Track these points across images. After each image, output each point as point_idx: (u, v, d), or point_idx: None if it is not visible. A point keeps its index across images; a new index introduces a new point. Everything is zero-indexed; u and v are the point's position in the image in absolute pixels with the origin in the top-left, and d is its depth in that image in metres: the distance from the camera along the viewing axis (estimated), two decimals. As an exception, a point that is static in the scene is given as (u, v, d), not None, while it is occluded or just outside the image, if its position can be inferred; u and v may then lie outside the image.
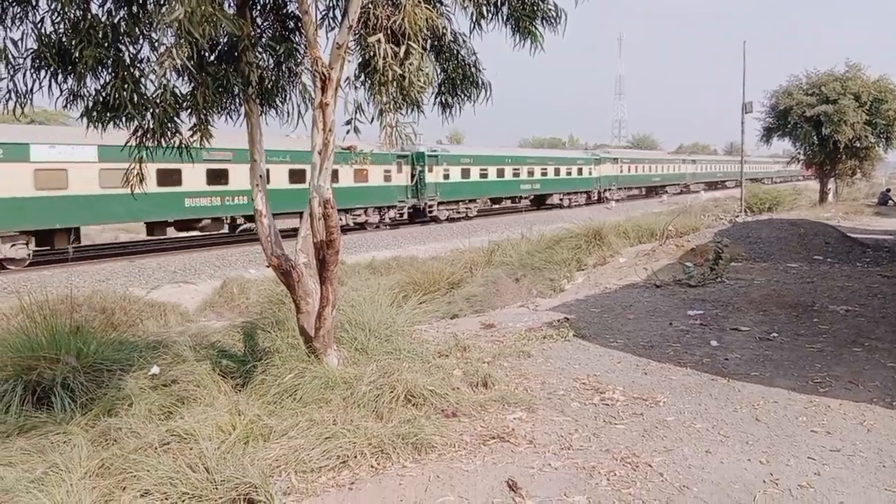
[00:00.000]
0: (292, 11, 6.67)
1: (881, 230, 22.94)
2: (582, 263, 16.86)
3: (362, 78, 6.13)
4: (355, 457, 4.97)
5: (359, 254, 23.93)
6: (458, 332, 8.82)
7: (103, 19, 5.72)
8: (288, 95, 6.92)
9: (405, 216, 35.48)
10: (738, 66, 30.69)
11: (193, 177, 23.96)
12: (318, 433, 5.14)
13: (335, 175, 24.91)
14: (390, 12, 5.68)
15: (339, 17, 6.15)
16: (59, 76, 5.96)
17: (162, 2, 5.16)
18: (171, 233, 25.56)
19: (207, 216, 25.52)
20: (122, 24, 5.78)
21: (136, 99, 5.78)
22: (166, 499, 4.33)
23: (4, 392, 6.01)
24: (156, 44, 5.84)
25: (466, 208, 39.06)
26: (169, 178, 23.19)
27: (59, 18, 5.76)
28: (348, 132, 5.98)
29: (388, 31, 5.54)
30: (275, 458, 4.85)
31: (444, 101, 7.23)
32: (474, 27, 6.97)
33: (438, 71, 6.97)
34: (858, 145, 34.15)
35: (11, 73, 5.73)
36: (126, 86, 5.71)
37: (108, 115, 6.01)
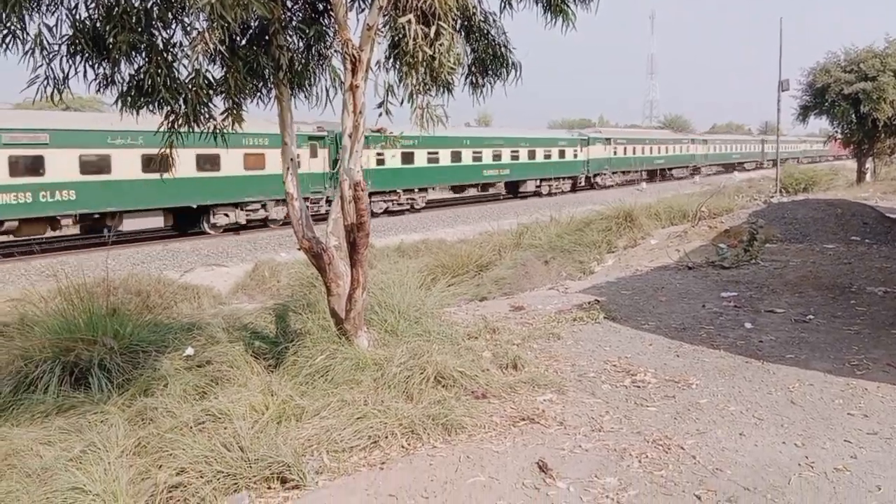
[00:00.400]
0: (322, -7, 6.66)
1: (922, 211, 22.34)
2: (612, 245, 16.75)
3: (392, 60, 6.10)
4: (386, 437, 5.02)
5: (387, 237, 24.02)
6: (487, 315, 8.82)
7: (136, 4, 5.75)
8: (317, 78, 6.93)
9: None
10: (773, 45, 30.00)
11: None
12: (350, 413, 5.19)
13: (213, 162, 23.64)
14: (421, -8, 5.63)
15: (370, -1, 6.13)
16: (94, 62, 6.03)
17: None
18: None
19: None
20: (155, 8, 5.82)
21: (169, 83, 5.83)
22: (201, 477, 4.41)
23: (43, 373, 6.17)
24: (188, 28, 5.87)
25: (411, 199, 33.72)
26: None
27: (93, 4, 5.81)
28: (380, 115, 5.97)
29: (419, 12, 5.50)
30: (307, 438, 4.92)
31: (473, 81, 7.18)
32: (505, 6, 6.90)
33: (468, 51, 6.91)
34: (898, 123, 33.23)
35: (48, 59, 5.81)
36: (160, 70, 5.76)
37: (143, 100, 6.07)
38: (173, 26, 6.06)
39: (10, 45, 5.62)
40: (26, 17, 5.55)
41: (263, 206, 26.25)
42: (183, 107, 6.14)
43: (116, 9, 5.64)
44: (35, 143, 19.90)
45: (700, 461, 4.71)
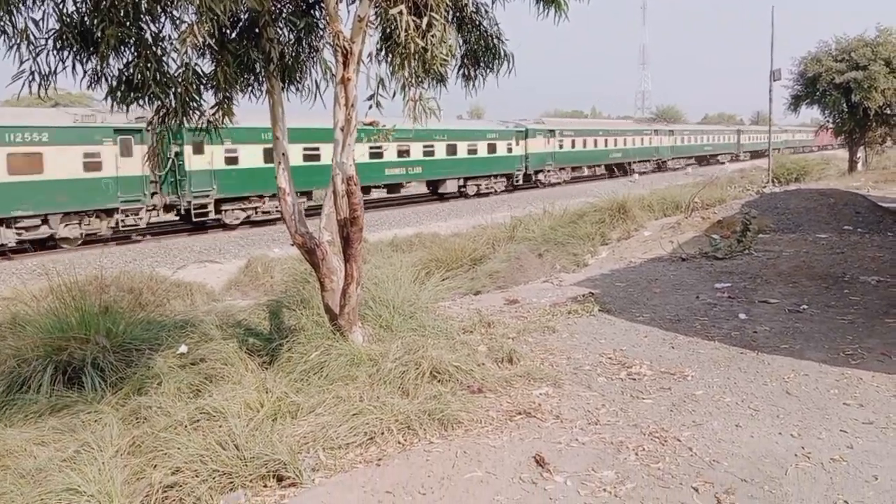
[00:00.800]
0: (313, -15, 6.59)
1: (913, 199, 22.43)
2: (606, 237, 16.76)
3: (384, 52, 6.05)
4: (382, 433, 5.00)
5: (381, 231, 23.95)
6: (482, 308, 8.80)
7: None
8: (309, 72, 6.87)
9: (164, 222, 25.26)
10: (767, 35, 30.01)
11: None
12: (345, 410, 5.17)
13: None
14: (412, -17, 5.58)
15: (360, -10, 6.06)
16: (82, 56, 5.96)
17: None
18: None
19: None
20: (144, 1, 5.74)
21: (158, 78, 5.76)
22: (197, 476, 4.38)
23: (36, 372, 6.11)
24: (177, 21, 5.81)
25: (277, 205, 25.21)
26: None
27: (80, -2, 5.74)
28: (371, 107, 5.92)
29: (410, 3, 5.45)
30: (303, 435, 4.89)
31: (465, 73, 7.13)
32: (496, -4, 6.86)
33: (461, 43, 6.87)
34: (889, 112, 33.41)
35: (34, 54, 5.73)
36: (149, 65, 5.69)
37: (132, 94, 6.01)
38: (162, 19, 6.00)
39: (-6, 39, 5.54)
40: (13, 11, 5.47)
41: (45, 222, 20.07)
42: (173, 101, 6.09)
43: (104, 2, 5.57)
44: None
45: (697, 453, 4.71)
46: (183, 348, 6.55)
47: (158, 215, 23.71)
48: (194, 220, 23.72)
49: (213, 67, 6.11)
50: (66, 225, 20.52)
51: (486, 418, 5.34)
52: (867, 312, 8.09)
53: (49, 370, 6.15)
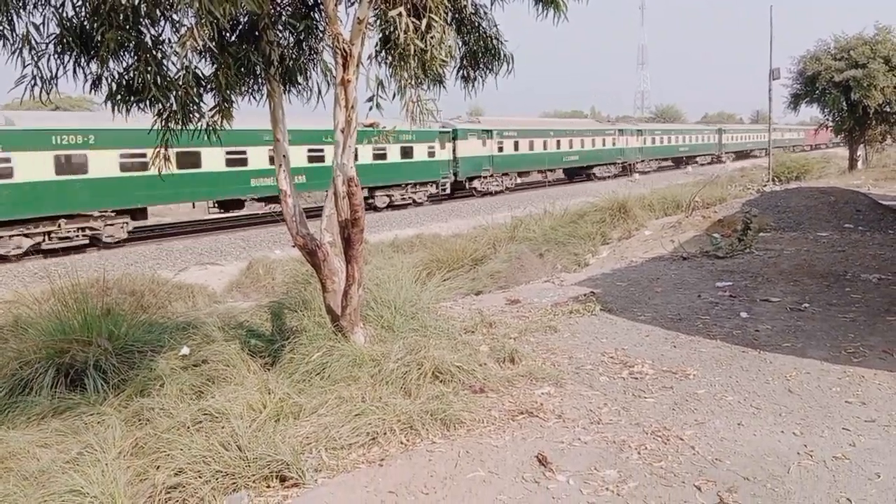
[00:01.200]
0: (312, -13, 6.61)
1: (913, 197, 22.43)
2: (607, 237, 16.79)
3: (383, 54, 6.06)
4: (385, 433, 5.00)
5: (381, 232, 23.97)
6: (484, 309, 8.80)
7: (124, 1, 5.69)
8: (309, 74, 6.88)
9: None
10: (766, 31, 29.99)
11: None
12: (348, 410, 5.18)
13: None
14: (411, -15, 5.59)
15: (359, -8, 6.08)
16: (83, 60, 5.97)
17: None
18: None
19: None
20: (143, 5, 5.75)
21: (159, 81, 5.77)
22: (200, 477, 4.39)
23: (38, 374, 6.13)
24: (177, 25, 5.82)
25: (83, 229, 20.60)
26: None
27: (80, 2, 5.76)
28: (371, 109, 5.93)
29: (409, 5, 5.46)
30: (305, 436, 4.90)
31: (465, 74, 7.15)
32: (495, -2, 6.87)
33: (460, 44, 6.88)
34: (889, 110, 33.47)
35: (35, 58, 5.75)
36: (149, 68, 5.70)
37: (133, 98, 6.02)
38: (162, 23, 6.01)
39: (-3, 45, 5.56)
40: (14, 16, 5.49)
41: None
42: (174, 104, 6.10)
43: (103, 6, 5.58)
44: None
45: (699, 452, 4.71)
46: (185, 350, 6.57)
47: None
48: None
49: (214, 70, 6.12)
50: None
51: (488, 418, 5.34)
52: (868, 310, 8.09)
53: (51, 372, 6.18)
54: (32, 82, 5.83)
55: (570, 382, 6.12)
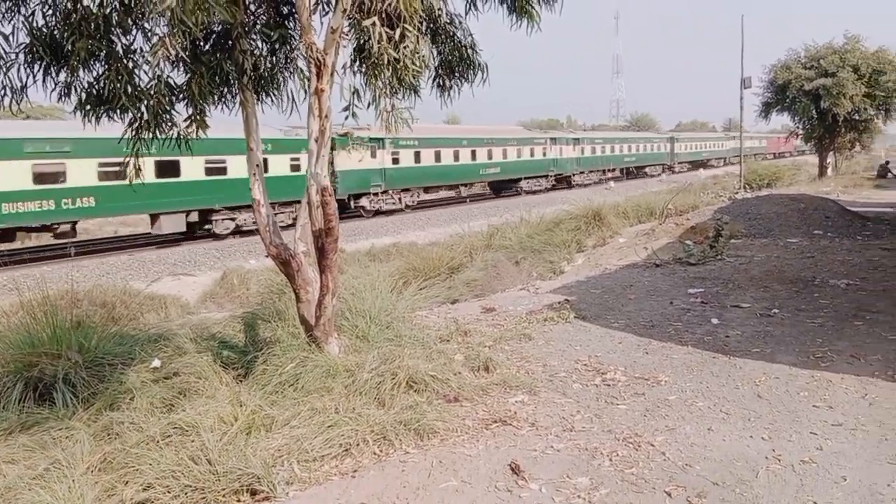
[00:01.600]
0: (286, -4, 6.60)
1: (881, 203, 22.88)
2: (582, 245, 16.89)
3: (358, 63, 6.07)
4: (358, 444, 4.98)
5: (358, 241, 23.91)
6: (459, 317, 8.82)
7: (95, 10, 5.64)
8: (283, 83, 6.87)
9: None
10: (738, 42, 30.48)
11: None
12: (321, 422, 5.15)
13: None
14: (384, -5, 5.61)
15: (333, 2, 6.08)
16: (53, 70, 5.91)
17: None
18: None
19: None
20: (114, 14, 5.71)
21: (129, 90, 5.73)
22: (169, 492, 4.33)
23: (6, 388, 6.01)
24: (149, 34, 5.78)
25: None
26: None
27: (50, 11, 5.71)
28: (346, 118, 5.93)
29: (383, 14, 5.47)
30: (277, 448, 4.87)
31: (440, 83, 7.18)
32: (470, 7, 6.92)
33: (434, 54, 6.91)
34: (857, 118, 34.11)
35: (5, 68, 5.68)
36: (120, 77, 5.67)
37: (103, 107, 5.97)
38: (133, 32, 5.97)
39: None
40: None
41: None
42: (145, 114, 6.06)
43: (74, 15, 5.54)
44: None
45: (669, 457, 4.76)
46: (156, 362, 6.48)
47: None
48: None
49: (187, 79, 6.09)
50: None
51: (461, 427, 5.35)
52: (836, 315, 8.23)
53: (19, 386, 6.05)
54: (3, 92, 5.76)
55: (543, 390, 6.15)
